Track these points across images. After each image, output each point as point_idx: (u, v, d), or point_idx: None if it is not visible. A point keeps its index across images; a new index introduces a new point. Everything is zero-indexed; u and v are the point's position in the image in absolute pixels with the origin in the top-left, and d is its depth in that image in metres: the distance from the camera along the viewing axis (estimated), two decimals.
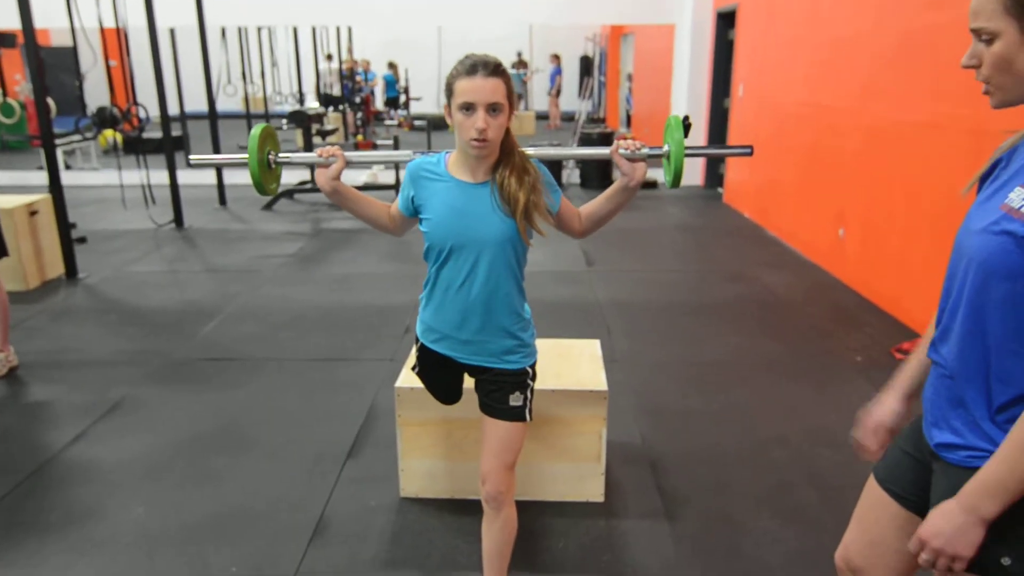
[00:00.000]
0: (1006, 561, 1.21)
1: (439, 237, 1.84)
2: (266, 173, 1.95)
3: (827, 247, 5.75)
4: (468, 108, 1.71)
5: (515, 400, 1.93)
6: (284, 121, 9.23)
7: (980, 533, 1.19)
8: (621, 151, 1.80)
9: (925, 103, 4.32)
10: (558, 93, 17.54)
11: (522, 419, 1.94)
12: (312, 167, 1.95)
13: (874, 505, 1.54)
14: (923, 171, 4.33)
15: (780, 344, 4.31)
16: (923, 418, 1.41)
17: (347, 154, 1.88)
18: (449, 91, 1.76)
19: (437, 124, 13.33)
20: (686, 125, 1.79)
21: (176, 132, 9.92)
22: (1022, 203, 1.16)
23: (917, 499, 1.44)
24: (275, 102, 14.99)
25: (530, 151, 1.89)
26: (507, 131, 1.81)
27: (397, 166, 8.59)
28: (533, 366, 1.99)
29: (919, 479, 1.42)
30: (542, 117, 18.05)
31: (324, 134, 9.47)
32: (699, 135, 9.56)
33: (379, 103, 16.43)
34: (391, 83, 16.46)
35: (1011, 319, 1.18)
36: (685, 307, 4.96)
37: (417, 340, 2.04)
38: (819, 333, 4.49)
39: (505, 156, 1.83)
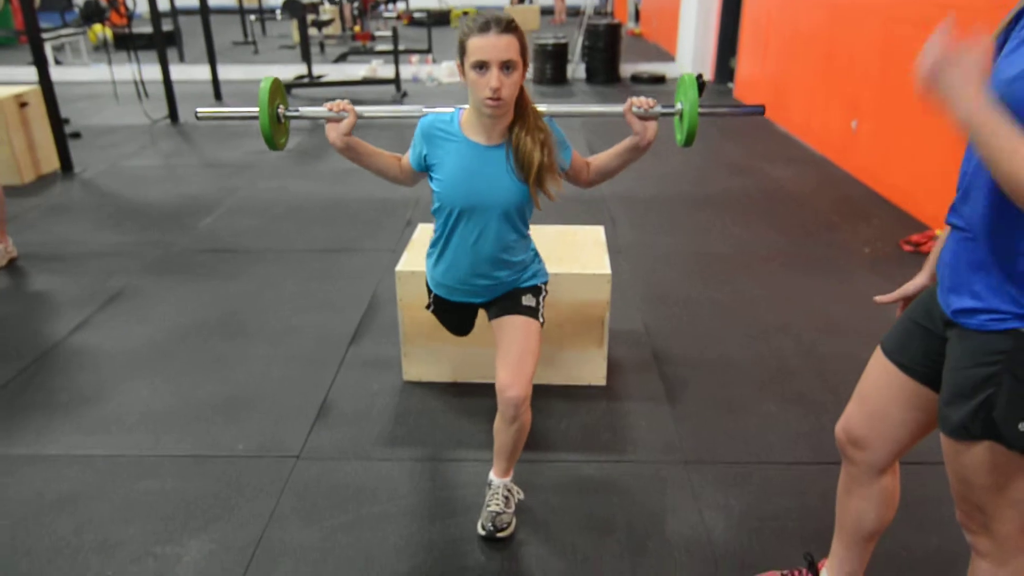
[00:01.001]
0: (1023, 427, 1.19)
1: (450, 198, 1.84)
2: (276, 127, 1.88)
3: (838, 140, 5.60)
4: (481, 67, 1.67)
5: (527, 300, 1.96)
6: (278, 12, 8.88)
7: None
8: (634, 109, 1.77)
9: None
10: None
11: (535, 316, 1.94)
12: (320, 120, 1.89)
13: (880, 376, 1.52)
14: None
15: (787, 236, 4.25)
16: (938, 285, 1.37)
17: (358, 108, 1.84)
18: (462, 49, 1.72)
19: (438, 19, 12.86)
20: (700, 84, 1.75)
21: (167, 27, 9.59)
22: None
23: (926, 369, 1.41)
24: None
25: (542, 108, 1.85)
26: (521, 89, 1.77)
27: (396, 60, 8.32)
28: (545, 283, 2.04)
29: (929, 349, 1.39)
30: (547, 11, 17.37)
31: (320, 25, 9.12)
32: (710, 29, 9.19)
33: None
34: None
35: None
36: (691, 200, 4.88)
37: (430, 292, 2.07)
38: (827, 226, 4.42)
39: (520, 116, 1.80)
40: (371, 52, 9.43)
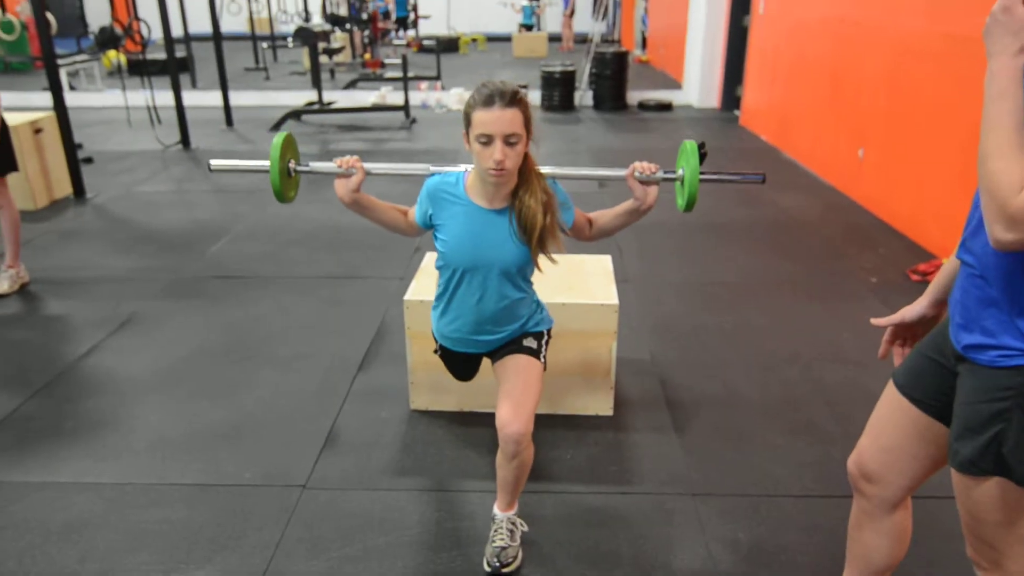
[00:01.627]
0: None
1: (454, 259, 1.89)
2: (286, 181, 1.93)
3: (845, 168, 5.62)
4: (486, 140, 1.70)
5: (529, 342, 1.98)
6: (290, 40, 9.00)
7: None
8: (636, 175, 1.81)
9: (958, 14, 4.13)
10: (572, 14, 17.01)
11: (537, 357, 1.96)
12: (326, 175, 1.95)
13: (892, 411, 1.52)
14: (953, 85, 4.17)
15: (793, 264, 4.26)
16: (950, 321, 1.37)
17: (366, 165, 1.88)
18: (467, 121, 1.75)
19: (447, 46, 13.02)
20: (702, 153, 1.80)
21: (180, 54, 9.72)
22: None
23: (938, 404, 1.41)
24: (280, 21, 14.64)
25: (546, 170, 1.88)
26: (526, 154, 1.80)
27: (406, 86, 8.40)
28: (549, 329, 2.06)
29: (941, 384, 1.39)
30: (555, 39, 17.55)
31: (331, 52, 9.24)
32: (716, 57, 9.27)
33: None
34: (401, 2, 15.98)
35: None
36: (698, 228, 4.89)
37: (436, 340, 2.10)
38: (834, 254, 4.42)
39: (524, 181, 1.83)
40: (381, 79, 9.54)
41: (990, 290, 1.23)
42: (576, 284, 2.75)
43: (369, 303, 3.72)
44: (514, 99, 1.71)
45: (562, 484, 2.39)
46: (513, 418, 1.85)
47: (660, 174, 1.83)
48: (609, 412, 2.74)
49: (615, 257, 4.11)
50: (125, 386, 2.97)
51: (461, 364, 2.15)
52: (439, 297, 1.99)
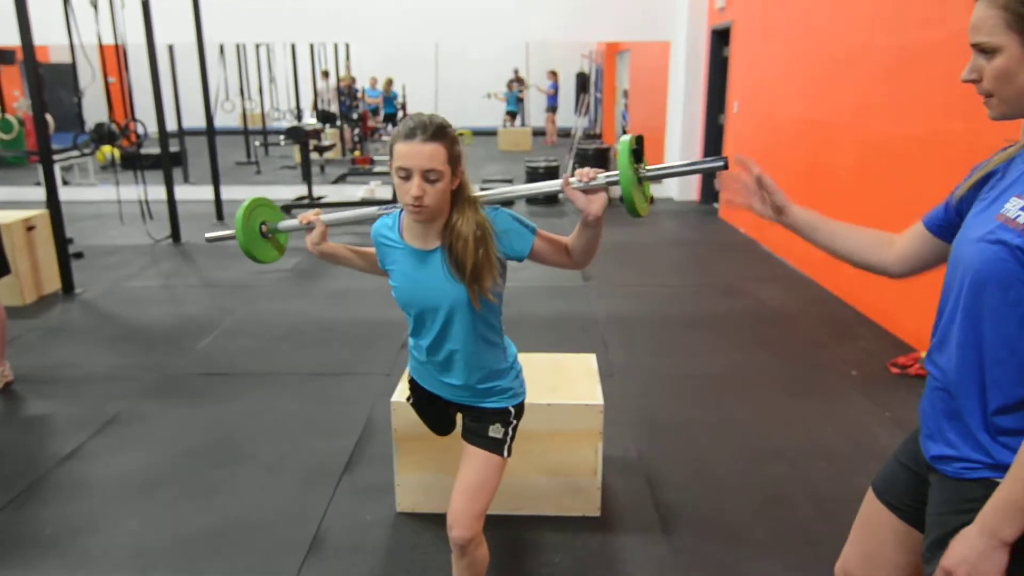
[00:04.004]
0: None
1: (403, 303, 1.88)
2: (258, 243, 2.04)
3: (822, 261, 5.78)
4: (405, 173, 1.66)
5: (495, 432, 1.91)
6: (282, 137, 9.26)
7: (1004, 556, 1.17)
8: (571, 183, 1.65)
9: (921, 118, 4.36)
10: (555, 109, 17.65)
11: (499, 452, 1.91)
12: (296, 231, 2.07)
13: (872, 517, 1.55)
14: (919, 186, 4.36)
15: (776, 358, 4.32)
16: (920, 430, 1.42)
17: (323, 217, 1.94)
18: (390, 152, 1.71)
19: None
20: (634, 150, 1.61)
21: (174, 148, 9.96)
22: (1017, 213, 1.18)
23: (914, 511, 1.44)
24: (273, 118, 15.08)
25: (477, 193, 1.82)
26: (459, 186, 1.76)
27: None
28: (517, 407, 1.97)
29: (916, 491, 1.43)
30: (539, 133, 18.15)
31: (321, 150, 9.50)
32: (694, 151, 9.62)
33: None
34: (390, 100, 16.56)
35: (1002, 327, 1.20)
36: (681, 321, 4.97)
37: (409, 374, 2.08)
38: (815, 347, 4.50)
39: (455, 213, 1.76)
40: (369, 173, 9.78)
41: (953, 403, 1.29)
42: (560, 384, 2.78)
43: (355, 400, 3.72)
44: (438, 133, 1.65)
45: None
46: (457, 519, 1.83)
47: (601, 178, 1.64)
48: (596, 513, 2.73)
49: (600, 350, 4.17)
50: (107, 490, 2.93)
51: (434, 411, 2.08)
52: (410, 333, 1.96)
